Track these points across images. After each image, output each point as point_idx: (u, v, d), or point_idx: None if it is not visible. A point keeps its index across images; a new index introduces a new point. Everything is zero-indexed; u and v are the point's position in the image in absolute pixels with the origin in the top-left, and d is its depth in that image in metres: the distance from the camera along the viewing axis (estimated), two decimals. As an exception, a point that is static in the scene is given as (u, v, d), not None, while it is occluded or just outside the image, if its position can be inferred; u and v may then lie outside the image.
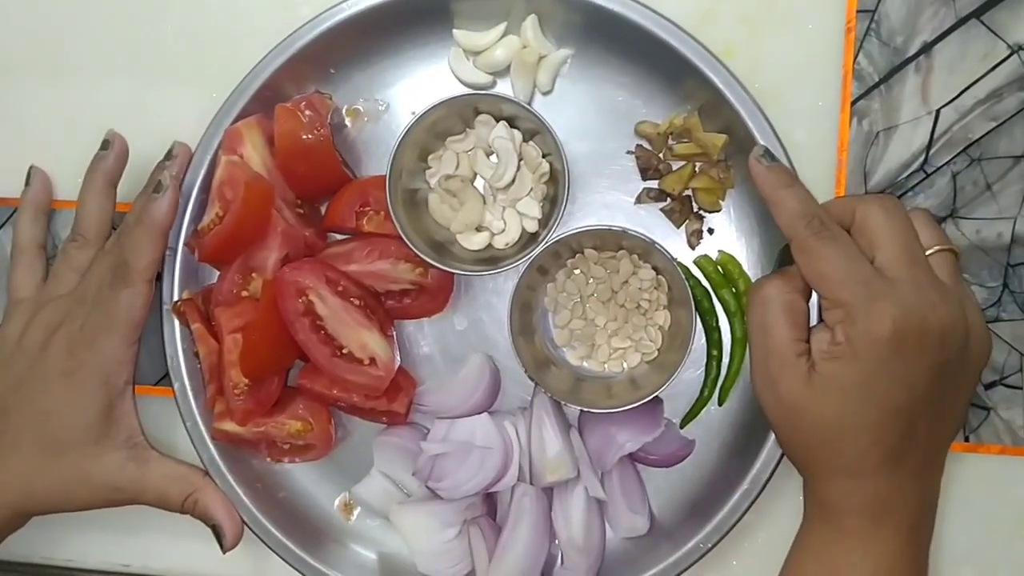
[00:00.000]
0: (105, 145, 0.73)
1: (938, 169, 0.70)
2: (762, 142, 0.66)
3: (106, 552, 0.79)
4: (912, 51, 0.69)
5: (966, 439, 0.71)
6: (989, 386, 0.71)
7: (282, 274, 0.68)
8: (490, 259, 0.71)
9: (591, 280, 0.71)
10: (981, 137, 0.69)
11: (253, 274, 0.71)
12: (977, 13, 0.69)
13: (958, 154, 0.69)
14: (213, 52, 0.75)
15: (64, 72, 0.77)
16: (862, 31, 0.69)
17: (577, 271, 0.72)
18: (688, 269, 0.72)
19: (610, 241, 0.70)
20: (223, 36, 0.75)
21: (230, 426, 0.71)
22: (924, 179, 0.70)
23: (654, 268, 0.71)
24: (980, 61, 0.69)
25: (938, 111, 0.69)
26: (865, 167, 0.70)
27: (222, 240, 0.69)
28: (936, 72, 0.69)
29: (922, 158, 0.70)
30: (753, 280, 0.71)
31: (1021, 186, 0.70)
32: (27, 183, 0.76)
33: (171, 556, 0.78)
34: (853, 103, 0.70)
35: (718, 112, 0.69)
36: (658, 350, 0.71)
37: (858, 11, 0.69)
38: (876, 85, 0.69)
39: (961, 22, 0.69)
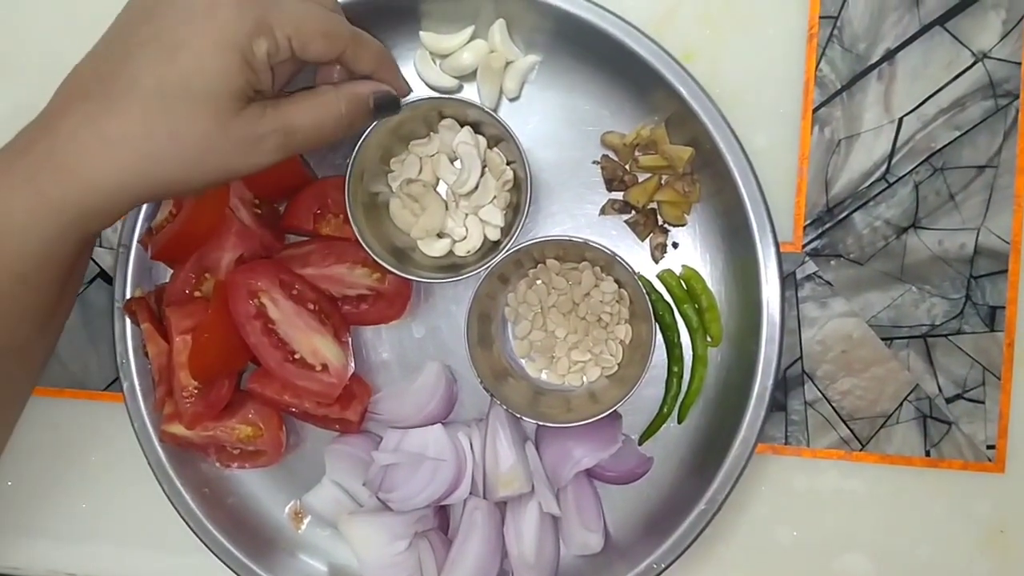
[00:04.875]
0: None
1: (900, 178, 0.68)
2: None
3: (53, 559, 0.78)
4: (875, 58, 0.68)
5: (927, 454, 0.69)
6: (951, 400, 0.69)
7: (234, 275, 0.67)
8: (451, 266, 0.70)
9: (552, 291, 0.70)
10: (944, 146, 0.68)
11: (206, 274, 0.70)
12: (941, 20, 0.68)
13: (921, 163, 0.68)
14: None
15: (9, 71, 0.77)
16: (824, 37, 0.68)
17: (539, 281, 0.70)
18: (651, 283, 0.70)
19: (573, 252, 0.69)
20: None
21: (178, 429, 0.70)
22: (886, 188, 0.68)
23: (616, 281, 0.69)
24: (943, 69, 0.68)
25: (901, 119, 0.68)
26: (826, 175, 0.69)
27: (175, 238, 0.68)
28: (899, 80, 0.68)
29: (884, 167, 0.68)
30: (716, 296, 0.69)
31: (984, 196, 0.68)
32: None
33: (118, 564, 0.77)
34: (815, 110, 0.69)
35: (684, 124, 0.68)
36: (618, 364, 0.70)
37: (820, 16, 0.69)
38: (838, 92, 0.68)
39: (925, 29, 0.68)
